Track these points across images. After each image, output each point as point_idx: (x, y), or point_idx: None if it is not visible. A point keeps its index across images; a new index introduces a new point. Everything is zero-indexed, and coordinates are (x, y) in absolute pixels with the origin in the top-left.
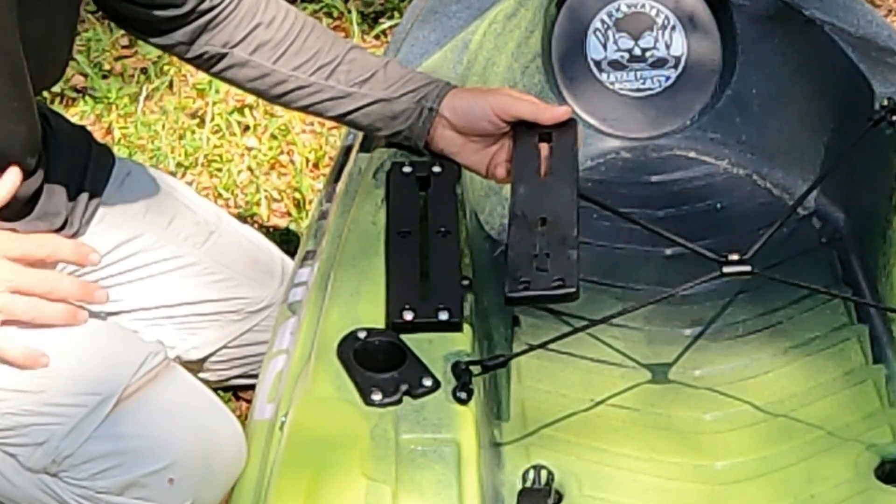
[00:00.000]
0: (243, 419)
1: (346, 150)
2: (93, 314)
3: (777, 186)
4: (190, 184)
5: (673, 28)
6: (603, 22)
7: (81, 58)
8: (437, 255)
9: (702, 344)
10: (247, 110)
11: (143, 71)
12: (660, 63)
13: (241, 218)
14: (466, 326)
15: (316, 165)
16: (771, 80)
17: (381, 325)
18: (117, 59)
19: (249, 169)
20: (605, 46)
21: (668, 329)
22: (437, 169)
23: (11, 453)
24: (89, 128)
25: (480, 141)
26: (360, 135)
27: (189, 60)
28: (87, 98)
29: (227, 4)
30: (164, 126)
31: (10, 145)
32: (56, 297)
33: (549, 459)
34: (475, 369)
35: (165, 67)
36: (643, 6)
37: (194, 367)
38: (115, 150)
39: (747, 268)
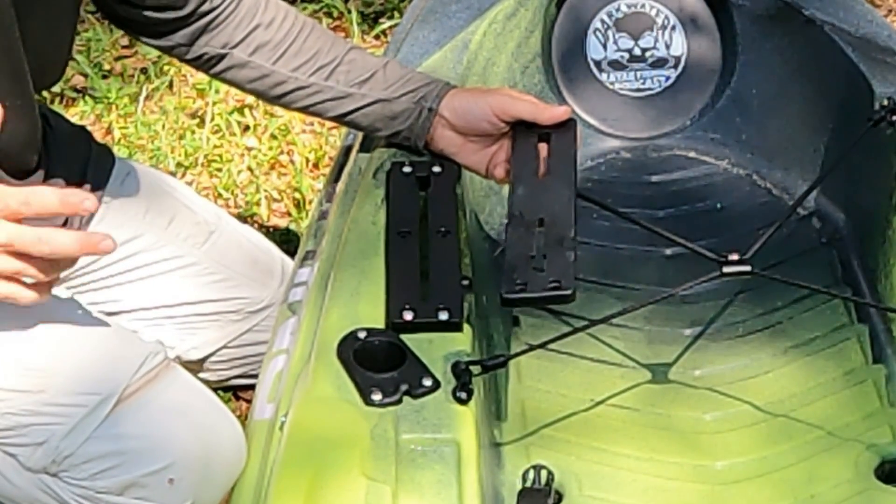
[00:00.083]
0: (243, 419)
1: (346, 150)
2: (93, 314)
3: (777, 186)
4: (190, 184)
5: (673, 28)
6: (603, 22)
7: (81, 58)
8: (437, 255)
9: (702, 344)
10: (247, 110)
11: (143, 71)
12: (660, 63)
13: (241, 218)
14: (466, 326)
15: (316, 165)
16: (771, 80)
17: (381, 325)
18: (117, 59)
19: (249, 169)
20: (605, 46)
21: (668, 329)
22: (437, 169)
23: (11, 453)
24: (89, 128)
25: (480, 141)
26: (360, 135)
27: (188, 62)
28: (87, 98)
29: (227, 6)
30: (164, 126)
31: (11, 143)
32: (55, 255)
33: (549, 459)
34: (475, 369)
35: (165, 67)
36: (643, 6)
37: (194, 367)
38: (115, 150)
39: (747, 268)
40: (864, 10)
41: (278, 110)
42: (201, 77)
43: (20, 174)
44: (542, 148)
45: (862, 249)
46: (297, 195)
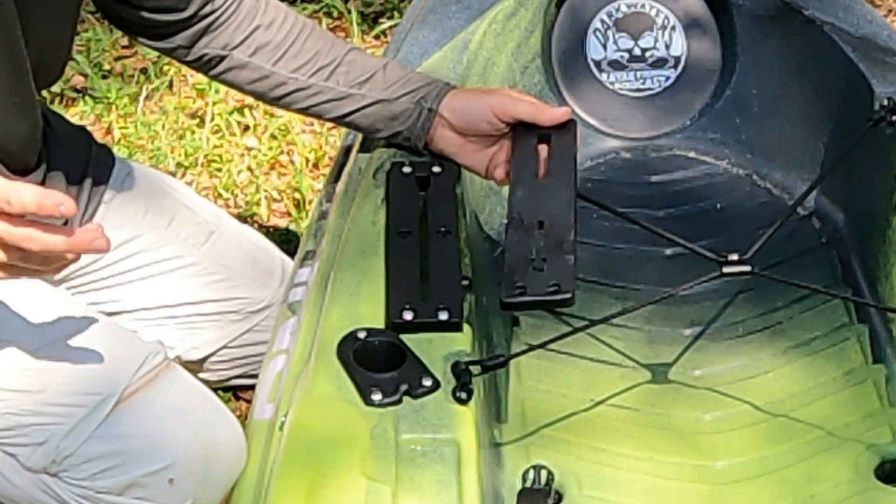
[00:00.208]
0: (243, 419)
1: (346, 150)
2: (93, 314)
3: (777, 186)
4: (190, 184)
5: (673, 28)
6: (603, 22)
7: (81, 58)
8: (437, 255)
9: (702, 344)
10: (247, 110)
11: (143, 71)
12: (660, 63)
13: (241, 218)
14: (466, 326)
15: (316, 165)
16: (771, 80)
17: (381, 325)
18: (117, 59)
19: (249, 169)
20: (604, 46)
21: (668, 329)
22: (437, 169)
23: (11, 453)
24: (89, 128)
25: (480, 141)
26: (360, 135)
27: (188, 63)
28: (87, 98)
29: (227, 7)
30: (164, 126)
31: (12, 142)
32: (51, 251)
33: (549, 459)
34: (475, 369)
35: (165, 67)
36: (643, 6)
37: (194, 367)
38: (115, 150)
39: (747, 268)
40: (864, 10)
41: (278, 110)
42: (201, 77)
43: (20, 172)
44: (542, 149)
45: (862, 249)
46: (297, 195)
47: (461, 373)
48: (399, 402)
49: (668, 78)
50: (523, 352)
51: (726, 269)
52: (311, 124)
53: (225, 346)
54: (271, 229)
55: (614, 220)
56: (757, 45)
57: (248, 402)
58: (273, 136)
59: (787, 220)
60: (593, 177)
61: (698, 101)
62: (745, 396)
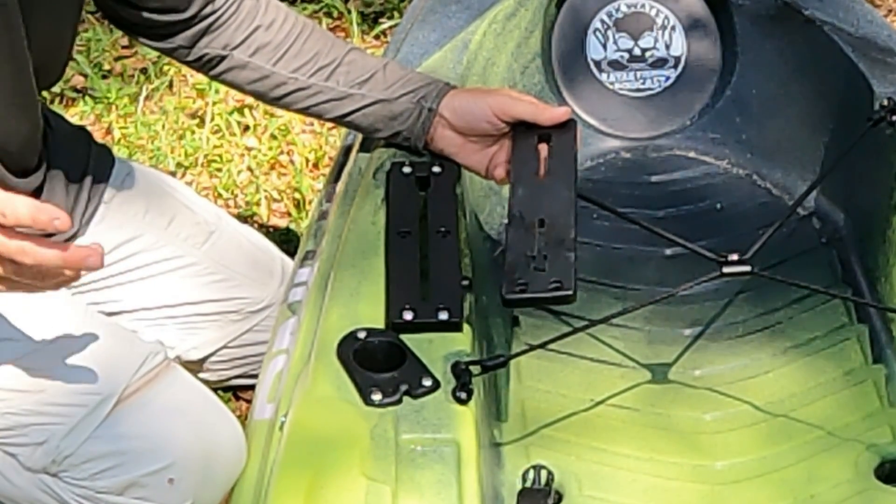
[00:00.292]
0: (243, 419)
1: (346, 150)
2: (93, 314)
3: (777, 186)
4: (190, 184)
5: (673, 28)
6: (603, 22)
7: (81, 58)
8: (437, 255)
9: (702, 344)
10: (247, 110)
11: (143, 71)
12: (660, 63)
13: (241, 218)
14: (466, 326)
15: (316, 165)
16: (771, 80)
17: (381, 325)
18: (117, 59)
19: (249, 169)
20: (604, 46)
21: (668, 329)
22: (437, 169)
23: (11, 453)
24: (89, 128)
25: (480, 141)
26: (360, 135)
27: (189, 63)
28: (87, 98)
29: (228, 8)
30: (164, 126)
31: (13, 142)
32: (45, 266)
33: (549, 459)
34: (475, 369)
35: (165, 67)
36: (643, 6)
37: (194, 367)
38: (115, 150)
39: (747, 268)
40: (864, 10)
41: (278, 110)
42: (201, 77)
43: (20, 173)
44: (542, 148)
45: (862, 249)
46: (297, 195)
47: (461, 373)
48: (399, 402)
49: (668, 78)
50: (523, 352)
51: (726, 269)
52: (311, 124)
53: (225, 346)
54: (271, 229)
55: (614, 220)
56: (757, 45)
57: (248, 402)
58: (273, 136)
59: (787, 220)
60: (593, 177)
61: (698, 101)
62: (745, 396)
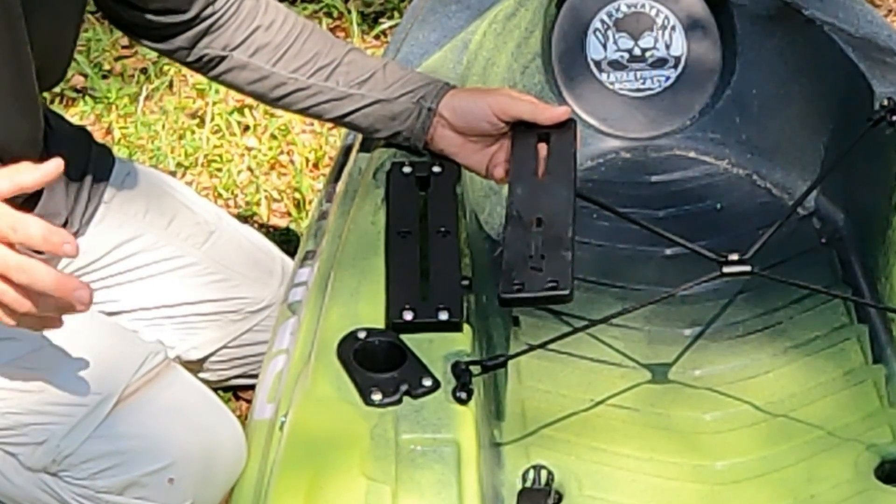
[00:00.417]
0: (243, 419)
1: (346, 150)
2: (93, 314)
3: (777, 186)
4: (190, 184)
5: (673, 28)
6: (603, 22)
7: (81, 58)
8: (437, 255)
9: (702, 344)
10: (247, 110)
11: (143, 71)
12: (660, 63)
13: (241, 218)
14: (466, 326)
15: (316, 165)
16: (771, 80)
17: (381, 325)
18: (117, 59)
19: (249, 169)
20: (605, 46)
21: (668, 329)
22: (437, 169)
23: (12, 453)
24: (89, 128)
25: (479, 141)
26: (360, 135)
27: (188, 64)
28: (87, 98)
29: (228, 9)
30: (164, 126)
31: (14, 142)
32: (36, 287)
33: (549, 459)
34: (475, 369)
35: (165, 67)
36: (643, 6)
37: (194, 367)
38: (115, 150)
39: (747, 268)
40: (864, 10)
41: (278, 110)
42: (201, 77)
43: None
44: (542, 148)
45: (862, 249)
46: (297, 195)
47: (461, 373)
48: (399, 402)
49: (668, 78)
50: (523, 352)
51: (726, 269)
52: (311, 124)
53: (225, 346)
54: (271, 229)
55: (614, 220)
56: (757, 45)
57: (248, 402)
58: (273, 136)
59: (787, 220)
60: (593, 177)
61: (698, 101)
62: (745, 396)
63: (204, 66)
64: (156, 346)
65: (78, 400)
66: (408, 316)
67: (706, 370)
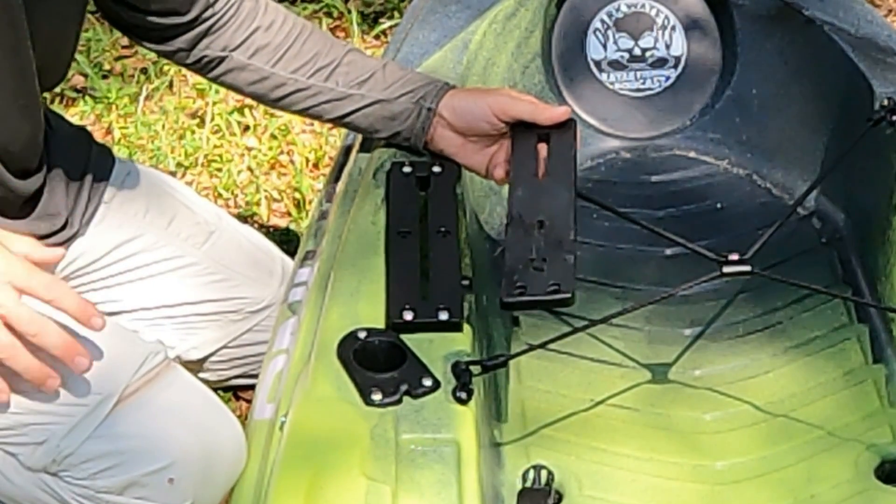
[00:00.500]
0: (243, 419)
1: (346, 150)
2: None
3: (777, 186)
4: (190, 184)
5: (673, 28)
6: (603, 22)
7: (81, 58)
8: (437, 255)
9: (702, 344)
10: (247, 110)
11: (143, 71)
12: (660, 63)
13: (241, 218)
14: (466, 326)
15: (316, 165)
16: (771, 80)
17: (381, 325)
18: (117, 59)
19: (249, 169)
20: (605, 46)
21: (668, 329)
22: (437, 169)
23: (12, 452)
24: (89, 128)
25: (479, 141)
26: (360, 135)
27: (188, 66)
28: (87, 98)
29: (227, 10)
30: (164, 126)
31: (14, 143)
32: (39, 342)
33: (549, 459)
34: (475, 369)
35: (165, 67)
36: (643, 6)
37: (194, 367)
38: (115, 150)
39: (747, 268)
40: (864, 10)
41: (278, 111)
42: (201, 77)
43: (21, 174)
44: (542, 148)
45: (862, 249)
46: (297, 195)
47: (461, 373)
48: (399, 402)
49: (668, 78)
50: (523, 352)
51: (726, 269)
52: (311, 124)
53: (225, 346)
54: (271, 229)
55: (614, 220)
56: (757, 45)
57: (248, 402)
58: (273, 136)
59: (787, 220)
60: (593, 177)
61: (698, 101)
62: (745, 396)
63: (204, 67)
64: (156, 346)
65: (78, 400)
66: (408, 316)
67: (706, 370)
